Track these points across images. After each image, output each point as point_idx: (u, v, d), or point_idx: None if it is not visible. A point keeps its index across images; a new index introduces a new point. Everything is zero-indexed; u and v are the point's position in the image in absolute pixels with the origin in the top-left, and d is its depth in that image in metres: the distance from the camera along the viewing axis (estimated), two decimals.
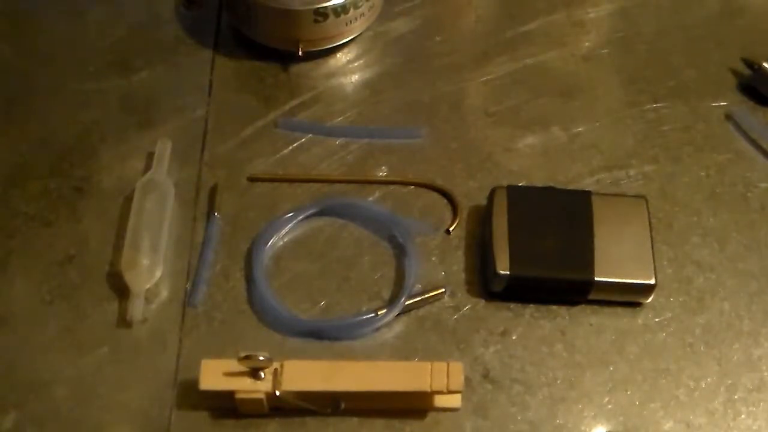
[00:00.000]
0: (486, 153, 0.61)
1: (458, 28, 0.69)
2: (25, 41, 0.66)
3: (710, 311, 0.55)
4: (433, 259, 0.56)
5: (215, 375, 0.48)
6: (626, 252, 0.54)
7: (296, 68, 0.65)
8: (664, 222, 0.58)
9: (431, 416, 0.51)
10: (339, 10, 0.61)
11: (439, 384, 0.48)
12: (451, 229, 0.57)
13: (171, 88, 0.63)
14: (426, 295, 0.54)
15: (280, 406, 0.49)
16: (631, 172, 0.60)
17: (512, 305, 0.55)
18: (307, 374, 0.48)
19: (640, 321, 0.55)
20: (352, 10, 0.62)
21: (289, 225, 0.57)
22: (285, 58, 0.64)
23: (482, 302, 0.55)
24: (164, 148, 0.59)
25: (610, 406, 0.52)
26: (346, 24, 0.63)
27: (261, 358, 0.47)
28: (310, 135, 0.61)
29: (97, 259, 0.55)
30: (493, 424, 0.51)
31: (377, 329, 0.53)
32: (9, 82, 0.64)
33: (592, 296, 0.54)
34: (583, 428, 0.51)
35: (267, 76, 0.64)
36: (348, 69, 0.65)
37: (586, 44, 0.67)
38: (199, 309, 0.54)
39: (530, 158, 0.61)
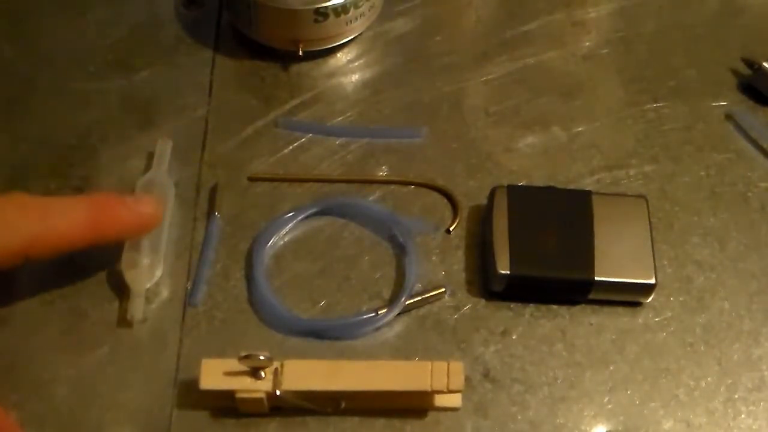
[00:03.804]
0: (486, 153, 0.61)
1: (458, 28, 0.69)
2: (25, 41, 0.66)
3: (710, 311, 0.55)
4: (434, 258, 0.56)
5: (216, 374, 0.48)
6: (626, 252, 0.54)
7: (296, 68, 0.65)
8: (665, 222, 0.58)
9: (432, 416, 0.51)
10: (339, 10, 0.61)
11: (440, 383, 0.48)
12: (451, 228, 0.58)
13: (171, 88, 0.63)
14: (426, 295, 0.54)
15: (280, 406, 0.49)
16: (632, 172, 0.60)
17: (512, 305, 0.55)
18: (307, 374, 0.48)
19: (640, 321, 0.55)
20: (352, 9, 0.62)
21: (290, 225, 0.57)
22: (285, 57, 0.64)
23: (482, 302, 0.55)
24: (164, 148, 0.59)
25: (610, 406, 0.52)
26: (347, 24, 0.63)
27: (261, 357, 0.47)
28: (310, 135, 0.61)
29: (97, 259, 0.55)
30: (493, 424, 0.51)
31: (378, 329, 0.53)
32: (9, 82, 0.64)
33: (592, 296, 0.54)
34: (583, 428, 0.51)
35: (267, 75, 0.64)
36: (348, 69, 0.65)
37: (586, 44, 0.67)
38: (199, 308, 0.54)
39: (530, 158, 0.61)
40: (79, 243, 0.49)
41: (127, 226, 0.52)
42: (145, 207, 0.52)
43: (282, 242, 0.57)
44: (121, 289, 0.54)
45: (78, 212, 0.50)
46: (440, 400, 0.50)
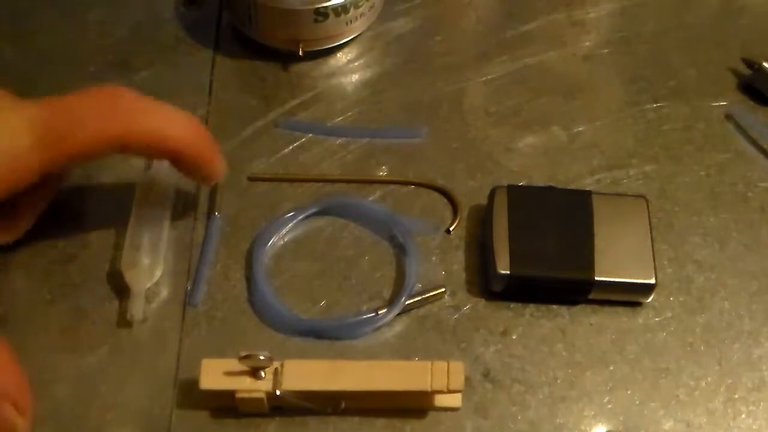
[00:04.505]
0: (486, 153, 0.61)
1: (458, 28, 0.69)
2: (25, 41, 0.66)
3: (710, 311, 0.55)
4: (434, 258, 0.56)
5: (216, 374, 0.48)
6: (626, 251, 0.54)
7: (296, 68, 0.65)
8: (665, 221, 0.58)
9: (432, 416, 0.51)
10: (339, 10, 0.61)
11: (440, 383, 0.48)
12: (451, 228, 0.58)
13: (171, 88, 0.63)
14: (426, 295, 0.54)
15: (280, 406, 0.49)
16: (632, 172, 0.60)
17: (512, 305, 0.55)
18: (307, 373, 0.48)
19: (640, 320, 0.55)
20: (352, 9, 0.62)
21: (290, 225, 0.57)
22: (285, 57, 0.64)
23: (482, 302, 0.55)
24: None
25: (610, 406, 0.52)
26: (347, 24, 0.63)
27: (261, 357, 0.47)
28: (311, 135, 0.61)
29: (97, 259, 0.55)
30: (493, 424, 0.51)
31: (377, 328, 0.53)
32: (9, 82, 0.63)
33: (592, 296, 0.54)
34: (583, 427, 0.51)
35: (267, 75, 0.64)
36: (348, 69, 0.65)
37: (586, 44, 0.67)
38: (199, 308, 0.54)
39: (530, 158, 0.61)
40: (172, 152, 0.50)
41: (208, 163, 0.53)
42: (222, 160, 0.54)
43: (282, 242, 0.57)
44: (121, 289, 0.54)
45: (185, 123, 0.51)
46: (440, 400, 0.50)
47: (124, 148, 0.49)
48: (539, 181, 0.59)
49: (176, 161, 0.52)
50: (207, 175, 0.54)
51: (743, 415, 0.52)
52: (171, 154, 0.51)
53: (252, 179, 0.59)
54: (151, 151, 0.51)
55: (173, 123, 0.50)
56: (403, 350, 0.53)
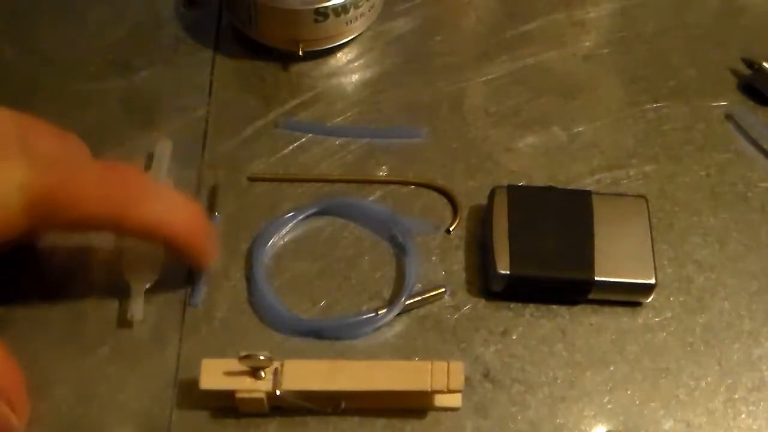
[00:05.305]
0: (486, 153, 0.61)
1: (458, 28, 0.69)
2: (25, 41, 0.66)
3: (710, 311, 0.55)
4: (434, 258, 0.56)
5: (216, 374, 0.48)
6: (626, 252, 0.54)
7: (297, 68, 0.65)
8: (665, 222, 0.58)
9: (432, 416, 0.51)
10: (339, 10, 0.61)
11: (440, 383, 0.48)
12: (451, 228, 0.58)
13: (171, 88, 0.63)
14: (426, 295, 0.54)
15: (280, 406, 0.49)
16: (632, 172, 0.60)
17: (512, 305, 0.55)
18: (307, 374, 0.48)
19: (640, 320, 0.55)
20: (352, 9, 0.62)
21: (290, 225, 0.57)
22: (285, 57, 0.64)
23: (482, 302, 0.55)
24: (164, 149, 0.59)
25: (610, 406, 0.52)
26: (347, 24, 0.63)
27: (261, 357, 0.47)
28: (310, 135, 0.61)
29: (97, 259, 0.55)
30: (493, 424, 0.51)
31: (377, 329, 0.53)
32: (9, 82, 0.64)
33: (592, 296, 0.54)
34: (583, 427, 0.51)
35: (267, 75, 0.64)
36: (348, 69, 0.65)
37: (586, 44, 0.67)
38: (199, 308, 0.54)
39: (530, 158, 0.61)
40: (167, 241, 0.50)
41: (202, 255, 0.52)
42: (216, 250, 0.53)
43: (282, 242, 0.57)
44: (121, 289, 0.54)
45: (186, 215, 0.50)
46: (440, 400, 0.50)
47: (120, 231, 0.49)
48: (539, 181, 0.59)
49: (170, 248, 0.52)
50: (197, 264, 0.53)
51: (743, 415, 0.52)
52: (166, 243, 0.51)
53: (252, 179, 0.59)
54: (147, 238, 0.50)
55: (173, 214, 0.49)
56: (403, 350, 0.53)
